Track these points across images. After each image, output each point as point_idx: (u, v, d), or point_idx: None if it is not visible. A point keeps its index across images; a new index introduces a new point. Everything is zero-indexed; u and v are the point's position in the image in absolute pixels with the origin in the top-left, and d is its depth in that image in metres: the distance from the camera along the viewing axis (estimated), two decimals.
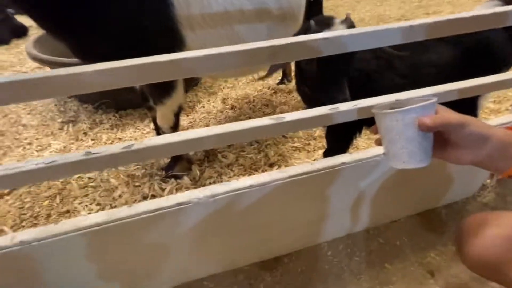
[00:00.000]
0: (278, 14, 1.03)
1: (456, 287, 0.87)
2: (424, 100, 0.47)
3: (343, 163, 0.70)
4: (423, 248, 0.97)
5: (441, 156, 0.46)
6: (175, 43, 0.85)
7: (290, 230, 0.85)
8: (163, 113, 0.98)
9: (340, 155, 0.71)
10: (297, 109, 1.69)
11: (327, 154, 1.16)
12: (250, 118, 1.61)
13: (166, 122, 1.01)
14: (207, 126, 1.59)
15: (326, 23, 0.70)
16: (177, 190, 1.13)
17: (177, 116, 1.03)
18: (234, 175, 1.21)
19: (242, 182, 0.65)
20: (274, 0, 1.00)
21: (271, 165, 1.28)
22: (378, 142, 0.51)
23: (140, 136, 1.53)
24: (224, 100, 1.83)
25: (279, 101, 1.79)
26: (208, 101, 1.87)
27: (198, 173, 1.20)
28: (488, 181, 1.15)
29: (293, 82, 2.00)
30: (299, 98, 1.84)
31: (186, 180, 1.16)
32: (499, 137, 0.41)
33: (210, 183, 1.18)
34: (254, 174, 1.22)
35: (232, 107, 1.76)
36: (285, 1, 1.04)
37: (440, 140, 0.43)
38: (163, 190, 1.12)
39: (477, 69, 0.85)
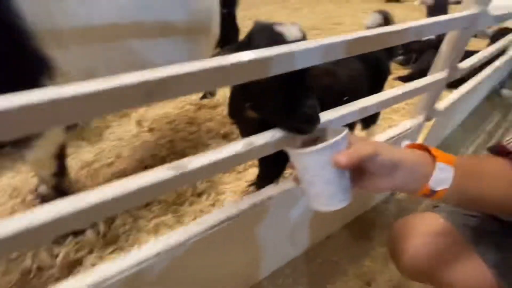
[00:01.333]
0: (184, 27, 0.90)
1: None
2: (336, 131, 0.44)
3: (270, 198, 0.61)
4: (358, 257, 0.97)
5: (360, 186, 0.44)
6: (38, 67, 0.63)
7: (223, 279, 0.73)
8: (36, 158, 0.72)
9: (266, 189, 0.63)
10: (223, 125, 1.59)
11: (260, 180, 1.09)
12: (172, 140, 1.43)
13: (44, 169, 0.76)
14: (118, 156, 1.33)
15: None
16: (77, 251, 0.87)
17: (60, 158, 0.78)
18: (154, 216, 1.01)
19: (145, 251, 0.49)
20: (178, 11, 0.86)
21: (199, 195, 1.13)
22: (296, 180, 0.46)
23: (24, 181, 1.17)
24: (139, 122, 1.59)
25: (204, 117, 1.65)
26: (119, 124, 1.59)
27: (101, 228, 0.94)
28: None
29: (218, 96, 1.89)
30: (224, 112, 1.75)
31: (89, 235, 0.91)
32: (408, 160, 0.41)
33: (123, 233, 0.96)
34: (179, 210, 1.05)
35: (150, 130, 1.53)
36: (191, 13, 0.91)
37: (356, 170, 0.41)
38: (55, 257, 0.84)
39: (374, 82, 0.96)
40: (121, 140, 1.46)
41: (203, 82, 0.37)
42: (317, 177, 0.41)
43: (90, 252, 0.88)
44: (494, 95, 2.11)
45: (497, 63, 1.48)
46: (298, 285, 0.88)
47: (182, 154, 1.32)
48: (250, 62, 0.39)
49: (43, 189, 0.98)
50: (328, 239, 1.02)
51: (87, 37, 0.69)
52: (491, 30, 2.79)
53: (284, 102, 0.51)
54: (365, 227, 1.07)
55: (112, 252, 0.88)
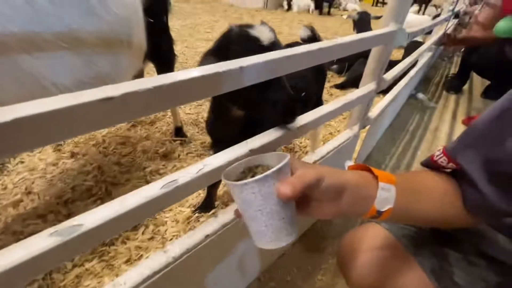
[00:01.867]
0: (94, 40, 0.75)
1: None
2: (277, 157, 0.42)
3: (207, 236, 0.53)
4: (310, 273, 0.95)
5: (305, 214, 0.41)
6: None
7: None
8: None
9: (203, 226, 0.54)
10: (163, 143, 1.45)
11: (206, 203, 1.03)
12: (100, 166, 1.23)
13: None
14: (28, 192, 1.09)
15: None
16: None
17: None
18: (75, 265, 0.82)
19: None
20: (84, 21, 0.71)
21: (134, 228, 0.98)
22: (237, 213, 0.42)
23: None
24: (57, 147, 1.34)
25: (139, 136, 1.48)
26: (31, 152, 1.32)
27: None
28: None
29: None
30: (164, 129, 1.60)
31: None
32: (353, 183, 0.40)
33: None
34: (107, 252, 0.88)
35: (73, 155, 1.30)
36: (103, 24, 0.76)
37: (300, 198, 0.37)
38: None
39: (319, 84, 1.18)
40: (33, 171, 1.20)
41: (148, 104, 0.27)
42: (260, 212, 0.36)
43: None
44: (412, 99, 2.41)
45: (412, 72, 1.68)
46: None
47: (112, 182, 1.14)
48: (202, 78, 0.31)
49: None
50: (280, 258, 0.97)
51: None
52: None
53: (267, 97, 0.55)
54: (316, 239, 1.06)
55: None
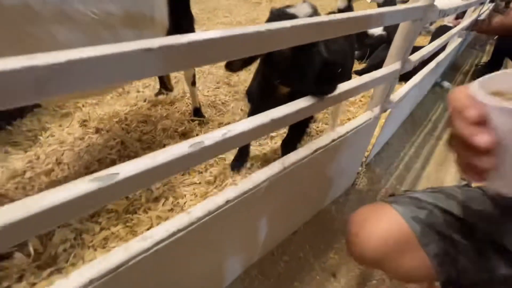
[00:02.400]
0: (120, 17, 0.78)
1: (354, 279, 0.91)
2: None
3: (228, 201, 0.56)
4: (323, 251, 0.97)
5: None
6: None
7: None
8: None
9: (225, 191, 0.57)
10: (181, 123, 1.49)
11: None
12: (123, 141, 1.29)
13: None
14: (59, 162, 1.16)
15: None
16: (1, 280, 0.72)
17: None
18: (102, 229, 0.89)
19: (88, 272, 0.40)
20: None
21: (155, 200, 1.03)
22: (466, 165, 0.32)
23: None
24: (83, 123, 1.41)
25: (159, 115, 1.52)
26: (60, 126, 1.40)
27: (32, 248, 0.81)
28: (360, 168, 1.30)
29: (175, 91, 1.76)
30: (183, 109, 1.64)
31: (18, 258, 0.77)
32: None
33: (65, 251, 0.83)
34: (131, 219, 0.94)
35: (97, 131, 1.37)
36: (128, 2, 0.78)
37: None
38: None
39: (351, 62, 1.24)
40: (62, 144, 1.28)
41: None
42: None
43: (20, 279, 0.74)
44: (437, 88, 2.31)
45: (439, 57, 1.60)
46: (265, 287, 0.84)
47: (135, 157, 1.19)
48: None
49: None
50: (293, 235, 1.00)
51: None
52: (433, 27, 3.06)
53: (308, 72, 0.62)
54: (328, 219, 1.08)
55: (49, 276, 0.75)
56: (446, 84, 2.31)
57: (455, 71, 2.78)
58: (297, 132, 1.07)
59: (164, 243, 0.48)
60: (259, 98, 0.86)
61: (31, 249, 0.77)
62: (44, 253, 0.81)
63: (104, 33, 0.74)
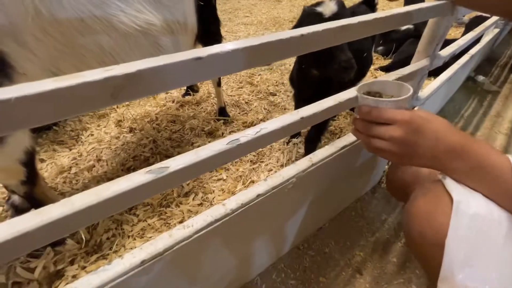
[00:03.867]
0: (161, 27, 0.84)
1: (381, 277, 0.91)
2: (394, 87, 0.52)
3: (258, 195, 0.59)
4: (348, 247, 0.98)
5: None
6: None
7: (214, 280, 0.70)
8: (1, 166, 0.65)
9: (254, 187, 0.61)
10: (208, 122, 1.55)
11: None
12: (155, 140, 1.38)
13: (12, 177, 0.69)
14: (98, 159, 1.27)
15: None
16: (57, 263, 0.82)
17: (28, 164, 0.71)
18: (139, 220, 0.97)
19: (130, 259, 0.46)
20: (153, 11, 0.80)
21: (186, 195, 1.10)
22: (356, 132, 0.53)
23: None
24: (118, 123, 1.52)
25: (187, 115, 1.60)
26: (98, 126, 1.52)
27: (82, 236, 0.90)
28: (386, 166, 1.28)
29: (200, 92, 1.84)
30: (209, 109, 1.71)
31: (69, 245, 0.86)
32: None
33: (108, 239, 0.91)
34: (164, 212, 1.01)
35: (131, 130, 1.47)
36: (166, 11, 0.85)
37: None
38: (33, 271, 0.79)
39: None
40: (101, 142, 1.39)
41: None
42: None
43: (71, 263, 0.83)
44: (470, 82, 2.18)
45: (473, 50, 1.52)
46: (291, 279, 0.87)
47: (166, 155, 1.27)
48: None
49: (15, 199, 0.91)
50: (319, 230, 1.01)
51: (52, 33, 0.63)
52: (467, 18, 2.89)
53: (331, 60, 0.77)
54: (354, 217, 1.08)
55: (96, 261, 0.84)
56: (481, 78, 2.18)
57: (491, 64, 2.60)
58: (318, 128, 1.15)
59: (203, 232, 0.52)
60: (298, 82, 1.05)
61: (83, 236, 0.86)
62: (90, 240, 0.90)
63: (144, 41, 0.81)
